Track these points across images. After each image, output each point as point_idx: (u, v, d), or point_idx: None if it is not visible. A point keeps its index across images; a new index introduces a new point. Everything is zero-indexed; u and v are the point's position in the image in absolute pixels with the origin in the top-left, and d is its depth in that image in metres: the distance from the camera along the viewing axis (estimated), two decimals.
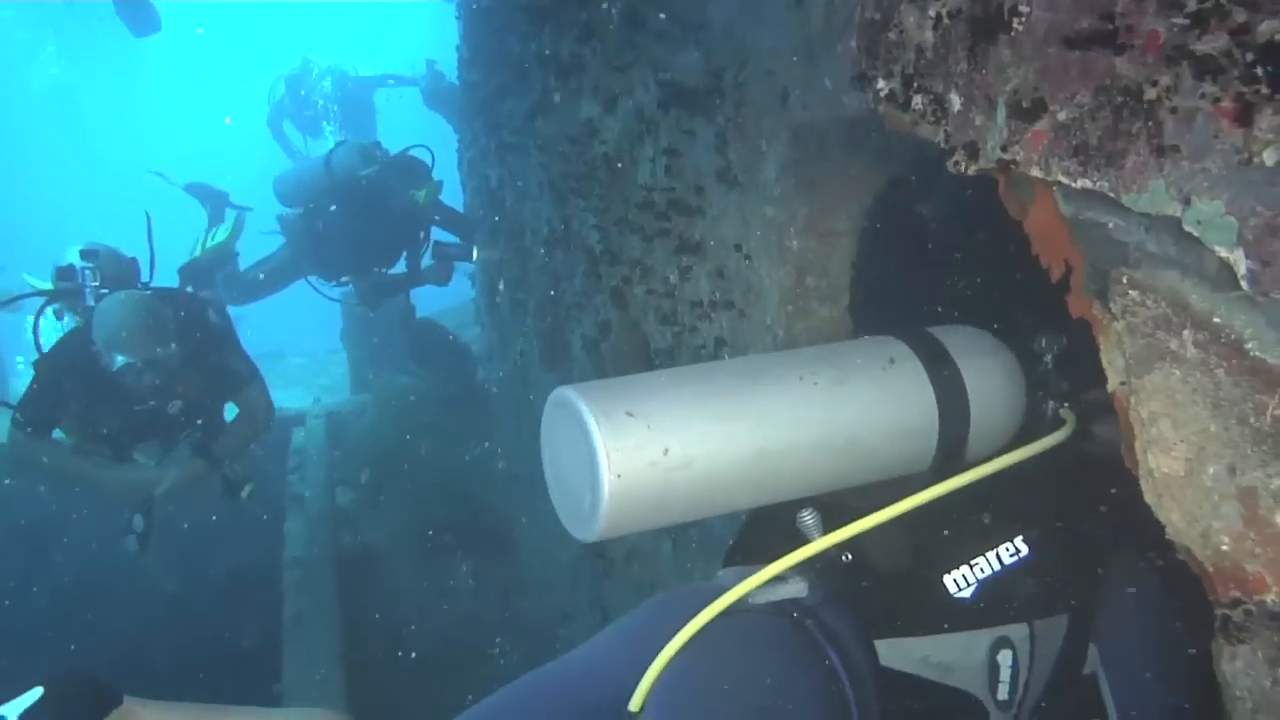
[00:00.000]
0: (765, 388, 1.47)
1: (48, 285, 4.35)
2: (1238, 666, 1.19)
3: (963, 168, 1.43)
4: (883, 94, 1.56)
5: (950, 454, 1.58)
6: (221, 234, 6.09)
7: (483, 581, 6.01)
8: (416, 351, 7.55)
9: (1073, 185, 1.23)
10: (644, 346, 3.00)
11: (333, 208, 6.26)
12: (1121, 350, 1.25)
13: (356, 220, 6.19)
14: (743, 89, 2.06)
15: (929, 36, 1.45)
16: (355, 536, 6.25)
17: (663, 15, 2.38)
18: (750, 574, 1.51)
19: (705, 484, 1.44)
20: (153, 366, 3.86)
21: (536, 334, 4.46)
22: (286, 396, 8.75)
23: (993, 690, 1.58)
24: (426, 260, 6.53)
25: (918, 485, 1.51)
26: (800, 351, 1.57)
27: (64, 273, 4.24)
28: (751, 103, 2.04)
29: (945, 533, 1.58)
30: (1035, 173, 1.29)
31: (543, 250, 4.13)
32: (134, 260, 4.39)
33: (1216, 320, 1.13)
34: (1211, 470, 1.18)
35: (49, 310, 4.29)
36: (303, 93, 10.69)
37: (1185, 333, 1.17)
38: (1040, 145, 1.28)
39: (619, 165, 2.92)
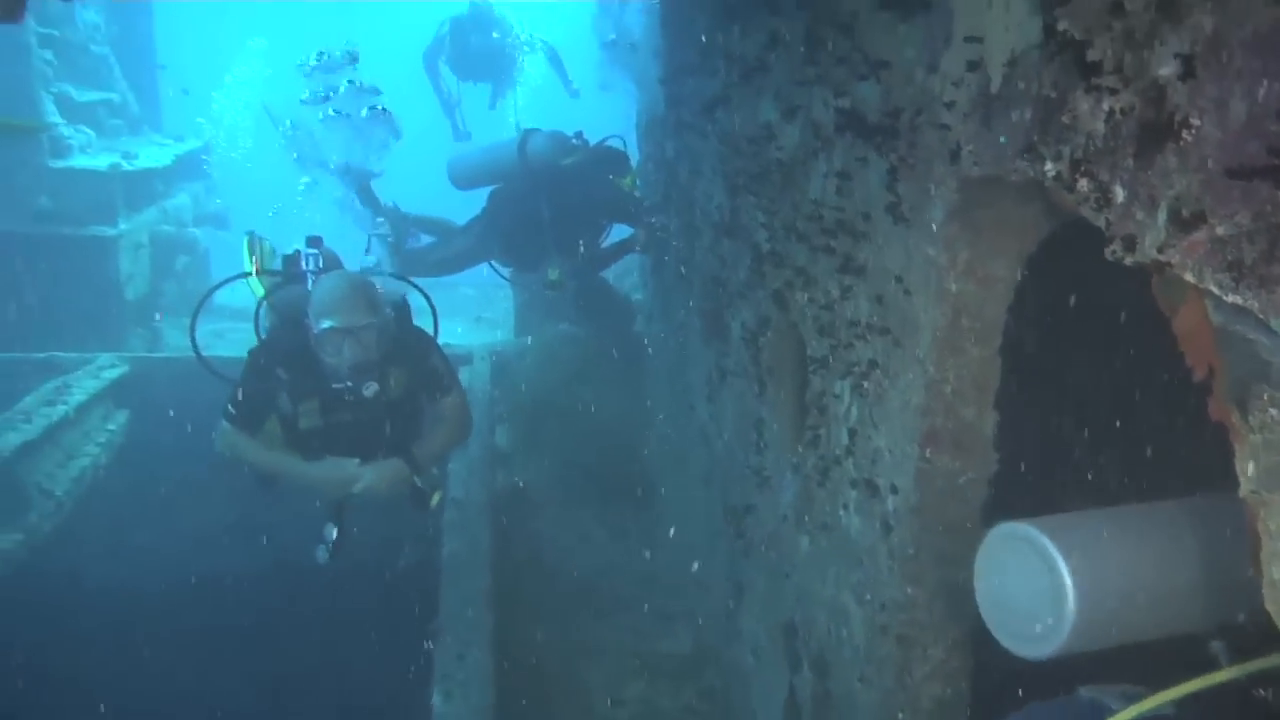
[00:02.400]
0: (1191, 541, 1.71)
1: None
2: None
3: (1119, 257, 1.48)
4: (1050, 174, 1.61)
5: None
6: None
7: (624, 532, 6.27)
8: (579, 301, 7.82)
9: (1223, 298, 1.29)
10: (800, 350, 3.11)
11: (527, 194, 6.59)
12: (1255, 461, 1.30)
13: (562, 206, 6.51)
14: (917, 133, 2.12)
15: (1100, 127, 1.49)
16: (510, 477, 6.61)
17: (846, 43, 2.45)
18: (1111, 693, 1.68)
19: (1138, 621, 1.68)
20: (354, 334, 3.91)
21: (698, 310, 4.61)
22: (450, 326, 9.25)
23: None
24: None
25: None
26: (1204, 500, 1.77)
27: (290, 260, 4.46)
28: (924, 147, 2.10)
29: None
30: (1189, 278, 1.35)
31: (711, 232, 4.26)
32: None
33: None
34: None
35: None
36: (472, 40, 10.37)
37: None
38: (1196, 254, 1.33)
39: (792, 174, 3.01)
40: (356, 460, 4.19)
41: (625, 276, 8.63)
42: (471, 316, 11.44)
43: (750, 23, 3.37)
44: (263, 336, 4.41)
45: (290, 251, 4.52)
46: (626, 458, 6.73)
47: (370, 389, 4.04)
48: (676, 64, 5.00)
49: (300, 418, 4.18)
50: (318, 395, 4.13)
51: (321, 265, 4.38)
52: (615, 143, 6.84)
